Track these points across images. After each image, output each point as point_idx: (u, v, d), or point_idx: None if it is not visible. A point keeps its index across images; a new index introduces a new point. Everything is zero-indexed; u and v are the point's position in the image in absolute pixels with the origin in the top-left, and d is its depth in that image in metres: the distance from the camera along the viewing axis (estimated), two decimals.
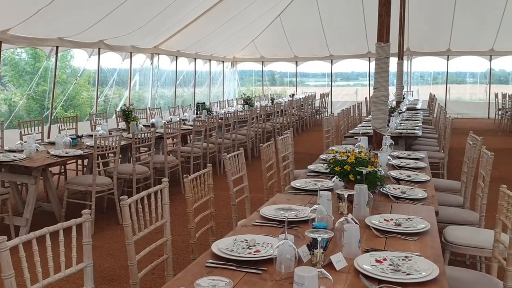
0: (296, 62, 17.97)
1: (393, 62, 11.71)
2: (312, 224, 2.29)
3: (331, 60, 17.15)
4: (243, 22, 13.83)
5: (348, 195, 2.84)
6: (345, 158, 3.01)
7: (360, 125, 7.96)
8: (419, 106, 11.49)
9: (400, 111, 8.42)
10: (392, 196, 3.19)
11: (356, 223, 2.57)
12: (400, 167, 4.15)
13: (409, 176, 3.77)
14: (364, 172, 2.81)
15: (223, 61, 17.35)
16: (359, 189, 2.69)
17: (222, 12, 11.76)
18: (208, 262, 2.03)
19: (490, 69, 15.47)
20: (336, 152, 3.20)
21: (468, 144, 4.30)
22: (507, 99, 12.44)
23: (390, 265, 1.97)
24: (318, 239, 1.73)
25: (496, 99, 13.50)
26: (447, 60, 15.61)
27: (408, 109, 10.40)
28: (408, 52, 15.62)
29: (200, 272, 1.94)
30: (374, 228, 2.46)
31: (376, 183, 2.94)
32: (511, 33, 13.52)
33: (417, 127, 6.91)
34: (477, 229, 3.42)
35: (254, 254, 2.07)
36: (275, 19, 15.64)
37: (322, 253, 2.00)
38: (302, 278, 1.44)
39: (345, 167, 2.95)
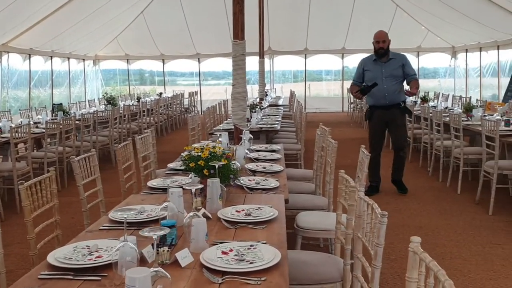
0: (163, 60, 17.66)
1: (255, 60, 12.18)
2: (160, 222, 2.23)
3: (198, 59, 17.19)
4: (103, 18, 13.15)
5: (201, 189, 2.85)
6: (199, 153, 3.00)
7: (225, 121, 8.08)
8: (280, 102, 12.06)
9: (261, 107, 8.73)
10: (247, 187, 3.27)
11: (209, 217, 2.58)
12: (257, 160, 4.29)
13: (265, 168, 3.90)
14: (216, 166, 2.82)
15: (84, 59, 16.32)
16: (211, 183, 2.70)
17: (79, 7, 11.03)
18: (41, 274, 1.85)
19: (343, 66, 16.88)
20: (192, 148, 3.17)
21: (317, 134, 4.60)
22: None
23: (236, 255, 1.99)
24: (154, 237, 1.67)
25: (348, 94, 14.77)
26: (305, 59, 16.65)
27: (270, 105, 10.85)
28: (270, 51, 16.31)
29: (31, 285, 1.75)
30: (225, 220, 2.48)
31: (230, 176, 2.98)
32: (358, 33, 14.86)
33: (277, 122, 7.23)
34: (326, 213, 3.67)
35: (95, 260, 1.94)
36: (138, 16, 15.15)
37: (168, 250, 1.96)
38: (133, 280, 1.37)
39: (199, 163, 2.94)
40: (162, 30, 15.74)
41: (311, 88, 17.97)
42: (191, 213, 2.27)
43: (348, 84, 16.25)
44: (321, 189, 4.45)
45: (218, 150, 3.06)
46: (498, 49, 12.09)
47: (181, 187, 2.58)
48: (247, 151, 4.35)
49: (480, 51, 13.20)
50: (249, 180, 3.45)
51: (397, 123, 5.84)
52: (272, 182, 3.39)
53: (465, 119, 6.67)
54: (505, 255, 3.94)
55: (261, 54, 11.36)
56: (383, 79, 5.72)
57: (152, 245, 1.94)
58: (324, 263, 2.62)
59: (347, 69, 17.53)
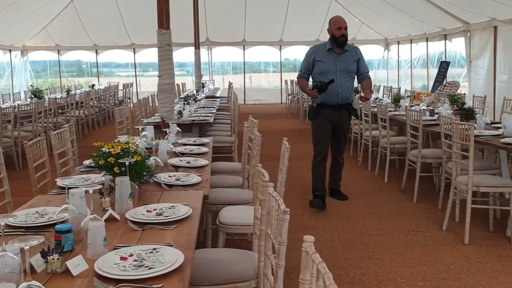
0: (96, 51, 16.97)
1: (191, 51, 11.94)
2: (55, 227, 2.05)
3: (134, 49, 16.66)
4: (31, 7, 12.38)
5: (112, 188, 2.68)
6: (110, 150, 2.82)
7: (157, 114, 7.83)
8: (218, 94, 11.91)
9: (195, 99, 8.56)
10: (165, 184, 3.13)
11: (116, 218, 2.43)
12: (182, 154, 4.15)
13: (189, 163, 3.77)
14: (127, 163, 2.67)
15: (10, 50, 15.32)
16: (120, 182, 2.54)
17: None
18: None
19: (281, 58, 16.94)
20: (102, 144, 2.98)
21: (245, 127, 4.52)
22: (294, 85, 13.77)
23: (135, 260, 1.85)
24: (26, 248, 1.50)
25: (286, 86, 14.86)
26: (243, 50, 16.56)
27: (207, 97, 10.68)
28: (208, 42, 16.08)
29: None
30: (132, 221, 2.34)
31: (143, 174, 2.82)
32: (295, 25, 14.96)
33: (210, 114, 7.09)
34: (250, 208, 3.57)
35: None
36: (69, 5, 14.41)
37: (58, 258, 1.79)
38: None
39: (109, 160, 2.76)
40: (95, 20, 15.07)
41: (252, 79, 17.94)
42: (91, 216, 2.10)
43: (287, 76, 16.49)
44: (250, 182, 4.38)
45: (132, 146, 2.91)
46: (427, 41, 12.58)
47: (77, 187, 2.40)
48: (171, 145, 4.20)
49: (411, 43, 13.68)
50: (169, 176, 3.31)
51: (343, 126, 5.15)
52: (194, 178, 3.28)
53: (393, 109, 6.86)
54: (425, 242, 4.05)
55: (197, 45, 11.16)
56: (337, 73, 4.91)
57: (42, 252, 1.78)
58: (240, 261, 2.54)
59: (287, 60, 17.63)
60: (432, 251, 3.84)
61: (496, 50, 9.39)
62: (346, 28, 4.91)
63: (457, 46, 11.28)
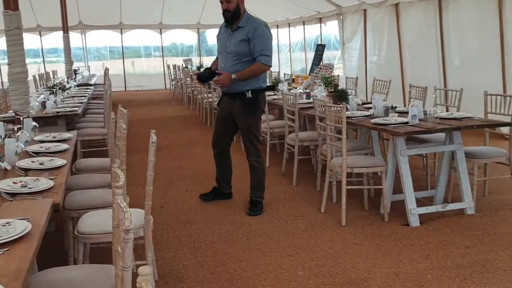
0: None
1: (59, 35, 10.88)
2: None
3: (40, 32, 14.86)
4: None
5: None
6: None
7: None
8: (93, 81, 11.07)
9: (64, 88, 7.79)
10: (7, 193, 2.64)
11: None
12: (37, 154, 3.62)
13: (42, 164, 3.28)
14: None
15: None
16: None
17: None
18: None
19: (162, 42, 16.32)
20: None
21: (111, 118, 4.11)
22: (177, 70, 13.35)
23: None
24: None
25: (169, 71, 14.36)
26: (121, 34, 15.64)
27: (80, 85, 9.84)
28: (81, 25, 14.90)
29: None
30: None
31: None
32: (174, 8, 14.41)
33: (80, 104, 6.46)
34: (107, 211, 3.21)
35: None
36: None
37: None
38: None
39: None
40: None
41: (135, 64, 17.08)
42: None
43: (171, 60, 15.88)
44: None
45: None
46: (304, 24, 12.91)
47: None
48: (22, 144, 3.65)
49: (289, 27, 13.96)
50: (13, 182, 2.81)
51: (239, 119, 4.41)
52: (44, 183, 2.82)
53: (272, 93, 6.84)
54: (304, 226, 4.03)
55: (65, 29, 10.20)
56: (225, 54, 4.31)
57: None
58: (97, 278, 2.21)
59: (174, 45, 17.06)
60: (311, 236, 3.82)
61: (366, 32, 9.89)
62: (228, 1, 4.14)
63: (331, 29, 11.73)
